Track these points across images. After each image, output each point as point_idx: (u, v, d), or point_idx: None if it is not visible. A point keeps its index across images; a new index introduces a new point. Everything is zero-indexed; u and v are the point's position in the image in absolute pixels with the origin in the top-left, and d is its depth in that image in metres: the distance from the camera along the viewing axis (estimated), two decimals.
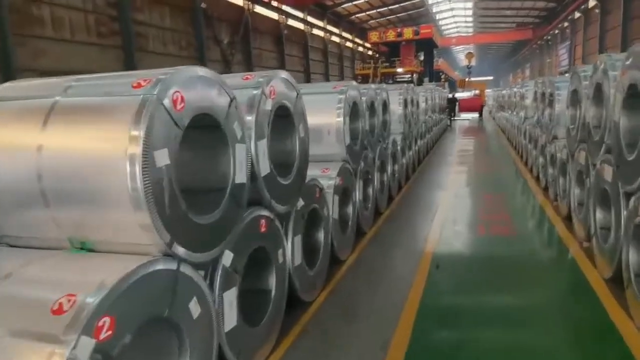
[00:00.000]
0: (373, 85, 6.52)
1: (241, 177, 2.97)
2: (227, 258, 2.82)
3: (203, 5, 25.19)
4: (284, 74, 3.76)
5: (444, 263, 5.07)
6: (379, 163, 6.55)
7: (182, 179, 2.39)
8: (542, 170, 8.03)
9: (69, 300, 1.80)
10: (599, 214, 4.69)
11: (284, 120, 3.83)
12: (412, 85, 10.97)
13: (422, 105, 11.81)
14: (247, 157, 3.06)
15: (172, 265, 2.24)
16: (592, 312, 3.85)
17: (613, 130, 4.15)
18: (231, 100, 2.86)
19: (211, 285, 2.66)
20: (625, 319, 3.60)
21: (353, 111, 5.52)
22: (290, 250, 3.82)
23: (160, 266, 2.16)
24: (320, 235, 4.56)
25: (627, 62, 3.81)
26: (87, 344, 1.72)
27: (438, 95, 17.42)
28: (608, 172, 4.32)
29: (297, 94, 3.96)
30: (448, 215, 6.86)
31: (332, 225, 4.72)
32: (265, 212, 3.38)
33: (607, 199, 4.35)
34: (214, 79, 2.71)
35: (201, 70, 2.60)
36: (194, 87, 2.47)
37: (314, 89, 5.99)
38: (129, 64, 19.88)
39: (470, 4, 54.30)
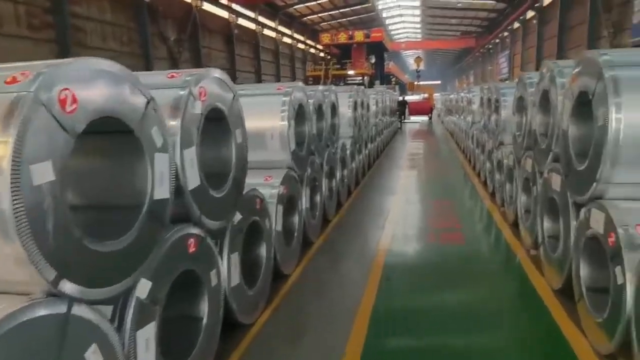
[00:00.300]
0: (321, 87, 6.22)
1: (162, 191, 2.54)
2: (143, 288, 2.38)
3: None
4: (217, 72, 3.35)
5: (396, 272, 4.87)
6: (327, 169, 6.26)
7: (79, 198, 1.93)
8: (490, 176, 8.07)
9: None
10: (547, 223, 4.61)
11: (218, 125, 3.42)
12: (362, 87, 10.78)
13: (373, 107, 11.70)
14: (170, 168, 2.63)
15: (60, 308, 1.79)
16: (540, 320, 3.81)
17: (561, 139, 4.07)
18: (148, 102, 2.44)
19: (120, 325, 2.21)
20: (570, 322, 3.64)
21: (299, 114, 5.19)
22: (226, 270, 3.42)
23: (42, 311, 1.70)
24: (262, 250, 4.18)
25: (577, 69, 3.72)
26: None
27: (389, 98, 17.49)
28: (556, 182, 4.24)
29: (234, 95, 3.57)
30: (399, 222, 6.71)
31: (275, 238, 4.36)
32: (194, 230, 2.96)
33: (556, 208, 4.27)
34: (123, 75, 2.27)
35: (104, 63, 2.16)
36: (93, 84, 2.02)
37: (257, 90, 5.59)
38: (65, 56, 18.49)
39: (418, 11, 55.74)
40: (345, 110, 7.64)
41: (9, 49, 16.24)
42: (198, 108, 3.01)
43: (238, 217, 3.59)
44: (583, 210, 3.50)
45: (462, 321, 3.86)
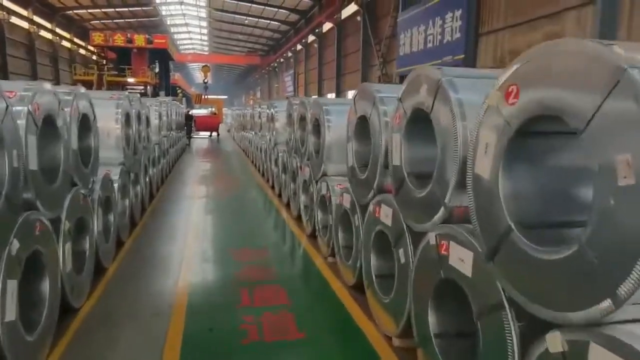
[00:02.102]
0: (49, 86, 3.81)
1: None
2: None
3: None
4: None
5: None
6: (68, 226, 3.87)
7: None
8: (306, 210, 6.97)
9: None
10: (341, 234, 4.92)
11: None
12: (138, 95, 8.40)
13: (156, 122, 9.46)
14: None
15: None
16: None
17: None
18: None
19: None
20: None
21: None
22: None
23: None
24: None
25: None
26: None
27: (176, 111, 15.21)
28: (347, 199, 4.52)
29: None
30: (196, 295, 4.67)
31: None
32: None
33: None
34: None
35: None
36: None
37: None
38: None
39: (205, 23, 54.20)
40: (110, 126, 5.36)
41: None
42: None
43: None
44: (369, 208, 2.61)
45: None
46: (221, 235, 6.80)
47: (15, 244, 2.76)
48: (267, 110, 11.09)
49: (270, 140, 10.44)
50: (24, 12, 34.69)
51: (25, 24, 34.89)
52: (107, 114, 5.34)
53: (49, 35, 39.52)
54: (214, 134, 30.72)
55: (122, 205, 5.74)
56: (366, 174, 4.01)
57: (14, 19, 32.87)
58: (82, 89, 4.42)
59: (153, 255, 5.60)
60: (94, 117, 4.48)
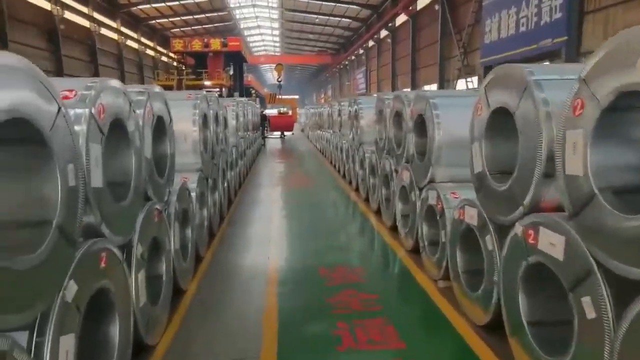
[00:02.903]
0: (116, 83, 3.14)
1: None
2: None
3: None
4: None
5: None
6: (141, 251, 3.15)
7: None
8: (404, 221, 6.00)
9: None
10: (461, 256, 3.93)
11: None
12: (216, 94, 7.87)
13: (233, 123, 9.01)
14: None
15: None
16: None
17: None
18: None
19: None
20: None
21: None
22: None
23: None
24: None
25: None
26: None
27: (252, 111, 14.92)
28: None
29: None
30: (287, 334, 3.90)
31: None
32: None
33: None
34: None
35: None
36: None
37: None
38: None
39: (276, 24, 54.79)
40: (187, 128, 4.81)
41: None
42: None
43: None
44: None
45: None
46: (307, 250, 5.96)
47: (72, 288, 2.12)
48: (349, 107, 10.25)
49: (353, 139, 9.60)
50: (113, 24, 37.01)
51: (114, 35, 37.21)
52: (184, 115, 4.80)
53: (134, 45, 41.94)
54: (288, 133, 30.51)
55: (200, 217, 5.19)
56: (509, 184, 3.00)
57: (104, 31, 35.13)
58: (157, 88, 3.83)
59: (234, 275, 4.98)
60: (170, 119, 3.91)
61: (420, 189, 4.92)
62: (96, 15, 33.93)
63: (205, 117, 5.45)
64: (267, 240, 6.26)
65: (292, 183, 11.77)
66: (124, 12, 39.02)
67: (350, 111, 10.12)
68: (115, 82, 2.90)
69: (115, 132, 2.83)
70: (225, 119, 7.77)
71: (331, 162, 14.36)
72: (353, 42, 50.20)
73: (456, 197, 4.05)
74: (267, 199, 9.37)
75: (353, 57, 52.23)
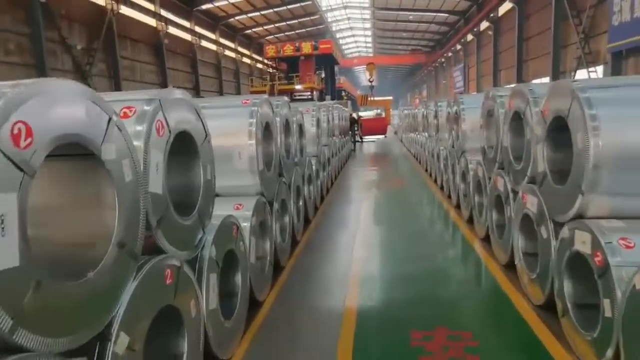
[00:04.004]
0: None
1: None
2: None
3: None
4: None
5: None
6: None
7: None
8: (529, 262, 4.48)
9: None
10: None
11: None
12: (285, 98, 6.81)
13: (313, 130, 8.03)
14: None
15: None
16: None
17: None
18: None
19: None
20: None
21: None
22: None
23: None
24: None
25: None
26: None
27: (339, 115, 13.92)
28: None
29: None
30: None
31: None
32: None
33: None
34: None
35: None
36: None
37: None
38: None
39: (368, 24, 53.62)
40: (240, 142, 3.89)
41: None
42: None
43: None
44: None
45: None
46: (398, 302, 4.45)
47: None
48: (448, 108, 8.72)
49: (453, 146, 8.07)
50: (212, 36, 38.76)
51: (212, 46, 38.95)
52: (236, 126, 3.86)
53: (232, 54, 43.65)
54: (380, 136, 29.07)
55: (262, 249, 4.21)
56: None
57: (204, 43, 36.88)
58: (179, 93, 2.89)
59: (299, 331, 3.91)
60: (206, 134, 2.93)
61: (561, 225, 3.40)
62: (197, 28, 35.71)
63: (267, 127, 4.48)
64: (345, 282, 5.02)
65: (381, 196, 10.49)
66: (222, 24, 40.73)
67: (449, 112, 8.59)
68: (178, 93, 2.66)
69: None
70: (301, 126, 6.79)
71: (426, 170, 12.79)
72: (450, 38, 47.25)
73: (630, 247, 2.54)
74: (352, 217, 8.18)
75: (450, 54, 49.21)
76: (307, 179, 7.10)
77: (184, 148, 2.69)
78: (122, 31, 25.55)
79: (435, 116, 10.51)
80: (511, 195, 4.63)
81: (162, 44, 29.81)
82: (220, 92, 39.70)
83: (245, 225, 3.69)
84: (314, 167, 7.76)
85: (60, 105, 1.60)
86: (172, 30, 31.26)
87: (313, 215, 7.71)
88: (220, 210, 3.47)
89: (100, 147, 1.79)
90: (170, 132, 2.39)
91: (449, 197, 8.76)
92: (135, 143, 2.11)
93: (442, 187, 9.80)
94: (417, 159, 16.04)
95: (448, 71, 51.70)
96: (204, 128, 2.88)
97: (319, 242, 6.57)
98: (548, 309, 3.77)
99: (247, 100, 4.23)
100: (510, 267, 4.75)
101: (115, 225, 1.85)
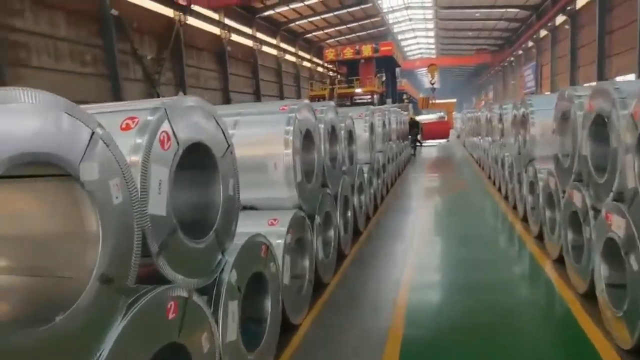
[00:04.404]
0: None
1: None
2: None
3: (114, 12, 20.65)
4: None
5: None
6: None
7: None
8: (614, 295, 3.78)
9: None
10: None
11: None
12: (331, 103, 6.34)
13: (365, 136, 7.59)
14: None
15: None
16: None
17: None
18: None
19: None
20: None
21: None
22: None
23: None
24: None
25: None
26: None
27: (396, 119, 13.35)
28: None
29: None
30: None
31: None
32: None
33: None
34: None
35: None
36: None
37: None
38: None
39: (431, 24, 52.02)
40: (276, 152, 3.56)
41: None
42: None
43: None
44: None
45: None
46: (451, 338, 3.79)
47: None
48: (514, 110, 7.92)
49: (519, 152, 7.28)
50: (273, 41, 39.40)
51: (273, 51, 39.59)
52: (272, 133, 3.55)
53: (292, 58, 44.15)
54: (442, 140, 27.85)
55: (300, 268, 3.87)
56: None
57: (265, 48, 37.56)
58: (192, 101, 2.61)
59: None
60: (228, 145, 2.62)
61: None
62: (259, 34, 36.46)
63: (308, 134, 4.13)
64: (391, 300, 4.56)
65: (440, 206, 9.81)
66: (283, 29, 41.30)
67: (515, 115, 7.79)
68: (190, 100, 2.38)
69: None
70: (351, 132, 6.39)
71: (489, 177, 11.87)
72: (520, 35, 44.60)
73: None
74: (407, 228, 7.64)
75: (520, 52, 46.42)
76: (358, 188, 6.68)
77: (199, 161, 2.41)
78: (189, 40, 26.57)
79: (500, 119, 9.66)
80: (591, 212, 3.93)
81: (225, 51, 30.67)
82: (281, 97, 40.21)
83: (279, 242, 3.36)
84: (365, 175, 7.32)
85: (20, 120, 1.36)
86: (235, 37, 32.09)
87: (364, 226, 7.24)
88: (253, 226, 3.19)
89: (78, 166, 1.54)
90: (178, 144, 2.11)
91: (514, 208, 7.94)
92: (133, 158, 1.85)
93: (506, 197, 8.96)
94: (479, 164, 15.04)
95: (518, 71, 48.84)
96: (225, 138, 2.58)
97: (368, 256, 6.11)
98: (638, 353, 3.09)
99: (285, 106, 3.91)
100: (589, 297, 4.04)
101: (97, 257, 1.58)
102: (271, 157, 3.61)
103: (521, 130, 7.14)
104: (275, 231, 3.43)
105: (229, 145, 2.63)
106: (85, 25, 19.50)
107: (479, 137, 15.05)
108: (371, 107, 8.33)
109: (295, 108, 3.82)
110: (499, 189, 9.97)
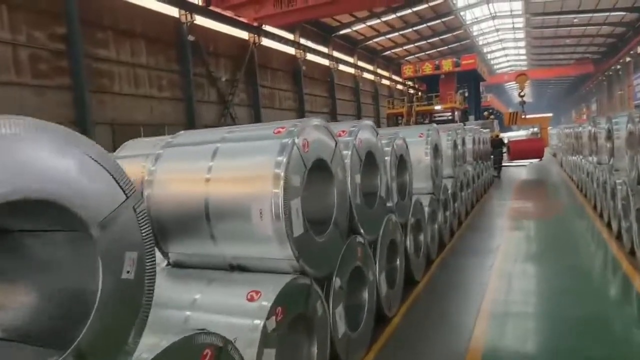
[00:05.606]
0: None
1: None
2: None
3: (191, 38, 21.30)
4: None
5: None
6: None
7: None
8: None
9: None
10: None
11: None
12: (369, 123, 4.97)
13: (426, 160, 6.19)
14: None
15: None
16: None
17: None
18: None
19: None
20: None
21: None
22: None
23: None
24: None
25: None
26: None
27: (473, 137, 11.61)
28: None
29: None
30: None
31: None
32: None
33: None
34: None
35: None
36: None
37: None
38: (80, 107, 15.99)
39: (521, 34, 48.18)
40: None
41: (8, 99, 13.90)
42: None
43: None
44: None
45: None
46: None
47: None
48: (629, 125, 6.04)
49: (638, 181, 5.43)
50: (350, 59, 38.83)
51: (350, 70, 38.98)
52: (257, 166, 2.45)
53: (370, 76, 43.24)
54: (535, 160, 24.20)
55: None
56: None
57: (342, 67, 37.07)
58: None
59: None
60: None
61: None
62: (335, 53, 36.10)
63: (322, 162, 2.95)
64: None
65: (527, 247, 7.98)
66: (361, 47, 40.64)
67: (631, 131, 5.92)
68: None
69: None
70: (403, 157, 5.07)
71: (594, 207, 9.66)
72: (627, 40, 39.52)
73: None
74: (479, 290, 5.97)
75: (627, 59, 41.09)
76: (413, 228, 5.30)
77: None
78: (263, 61, 26.79)
79: (609, 136, 7.64)
80: None
81: (300, 70, 30.58)
82: (358, 116, 39.31)
83: (254, 335, 2.21)
84: (426, 209, 5.90)
85: None
86: (310, 56, 31.96)
87: (421, 275, 5.73)
88: (222, 302, 2.10)
89: None
90: None
91: (632, 253, 6.00)
92: None
93: (618, 236, 6.96)
94: (580, 188, 12.63)
95: (625, 80, 43.23)
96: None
97: (420, 324, 4.70)
98: None
99: (282, 128, 2.77)
100: None
101: None
102: (255, 200, 2.51)
103: (634, 154, 5.31)
104: (252, 310, 2.30)
105: None
106: (163, 52, 20.25)
107: (580, 156, 12.70)
108: (433, 125, 6.89)
109: (294, 131, 2.67)
110: (608, 224, 7.90)
